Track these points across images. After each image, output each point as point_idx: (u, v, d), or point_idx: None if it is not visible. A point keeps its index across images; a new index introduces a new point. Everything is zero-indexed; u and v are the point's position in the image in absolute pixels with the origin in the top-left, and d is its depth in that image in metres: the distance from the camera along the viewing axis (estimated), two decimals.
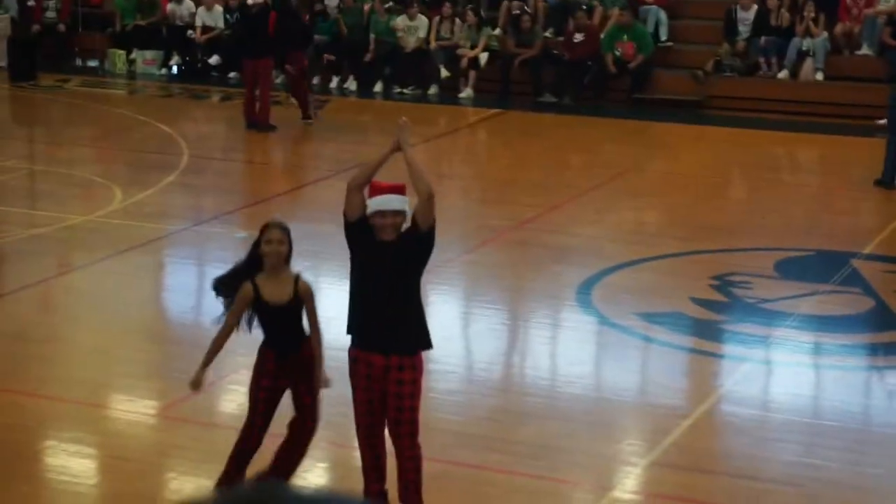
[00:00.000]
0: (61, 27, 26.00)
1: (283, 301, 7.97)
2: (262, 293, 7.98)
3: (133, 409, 10.01)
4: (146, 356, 11.22)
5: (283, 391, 8.18)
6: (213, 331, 11.87)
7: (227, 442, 9.54)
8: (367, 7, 23.92)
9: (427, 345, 8.03)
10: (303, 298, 8.00)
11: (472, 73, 23.05)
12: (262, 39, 19.80)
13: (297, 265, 13.38)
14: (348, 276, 8.13)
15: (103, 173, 17.46)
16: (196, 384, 8.12)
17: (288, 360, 8.10)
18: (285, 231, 8.05)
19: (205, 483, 8.80)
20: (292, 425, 8.29)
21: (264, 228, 8.06)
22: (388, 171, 8.10)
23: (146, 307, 12.54)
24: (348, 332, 8.05)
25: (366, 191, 7.94)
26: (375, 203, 7.81)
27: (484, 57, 23.11)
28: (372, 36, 23.51)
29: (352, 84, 23.63)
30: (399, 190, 7.89)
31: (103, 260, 13.53)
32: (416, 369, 7.96)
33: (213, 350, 8.17)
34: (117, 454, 9.24)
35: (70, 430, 9.63)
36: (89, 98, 22.76)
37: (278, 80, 22.66)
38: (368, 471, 8.17)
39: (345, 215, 7.97)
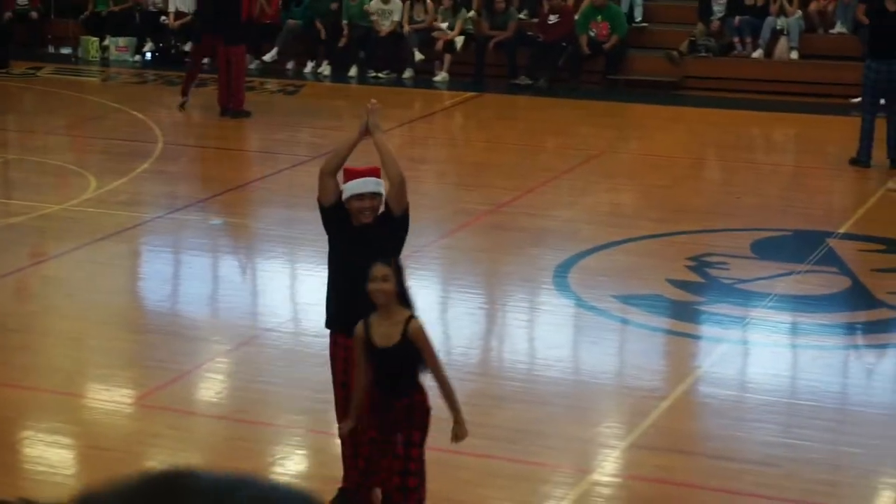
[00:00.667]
0: (33, 14, 25.84)
1: (390, 343, 7.34)
2: (371, 334, 7.38)
3: (110, 398, 9.97)
4: (122, 345, 11.18)
5: (390, 444, 7.46)
6: (187, 317, 11.86)
7: (204, 430, 9.54)
8: None
9: None
10: (413, 340, 7.33)
11: (447, 56, 23.00)
12: (232, 24, 19.69)
13: (273, 251, 13.44)
14: (325, 261, 8.11)
15: (77, 161, 17.38)
16: (345, 430, 7.72)
17: (394, 408, 7.44)
18: (390, 266, 7.34)
19: None
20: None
21: (371, 265, 7.40)
22: (359, 154, 8.08)
23: (122, 296, 12.49)
24: (327, 324, 8.05)
25: (339, 176, 7.93)
26: (352, 187, 7.80)
27: (460, 40, 23.07)
28: (345, 21, 23.44)
29: (326, 69, 23.55)
30: (374, 173, 7.89)
31: (78, 248, 13.47)
32: None
33: (356, 399, 7.56)
34: (94, 443, 9.21)
35: (46, 420, 9.59)
36: (62, 85, 22.64)
37: (252, 66, 22.61)
38: (348, 458, 8.16)
39: (319, 201, 7.96)
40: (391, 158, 7.89)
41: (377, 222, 7.82)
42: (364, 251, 7.78)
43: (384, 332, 7.36)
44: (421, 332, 7.33)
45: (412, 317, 7.36)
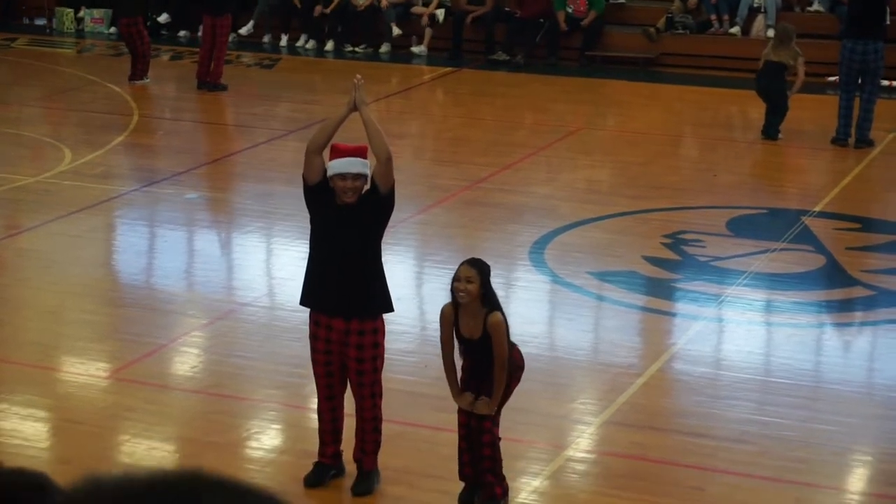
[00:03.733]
0: None
1: (475, 337, 7.67)
2: (459, 323, 7.70)
3: (85, 371, 9.96)
4: (98, 318, 11.16)
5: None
6: (163, 291, 11.83)
7: (179, 404, 9.53)
8: None
9: (388, 307, 8.02)
10: (490, 334, 7.62)
11: (428, 31, 22.94)
12: None
13: (249, 226, 13.42)
14: (302, 235, 8.09)
15: (52, 133, 17.31)
16: (466, 403, 7.82)
17: (481, 391, 7.81)
18: (475, 267, 7.68)
19: (157, 445, 8.78)
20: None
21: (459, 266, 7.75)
22: (345, 131, 8.06)
23: (97, 269, 12.46)
24: (303, 301, 8.03)
25: (326, 152, 7.90)
26: (336, 166, 7.76)
27: (441, 13, 23.00)
28: None
29: (309, 42, 23.44)
30: (361, 152, 7.85)
31: (53, 221, 13.42)
32: (378, 332, 7.95)
33: (449, 374, 7.85)
34: (69, 417, 9.19)
35: (21, 393, 9.57)
36: (37, 57, 22.52)
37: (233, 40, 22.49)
38: (325, 433, 8.18)
39: (304, 179, 7.92)
40: (379, 135, 7.84)
41: (360, 201, 7.79)
42: (345, 230, 7.77)
43: (469, 325, 7.67)
44: (498, 326, 7.61)
45: (490, 311, 7.61)
